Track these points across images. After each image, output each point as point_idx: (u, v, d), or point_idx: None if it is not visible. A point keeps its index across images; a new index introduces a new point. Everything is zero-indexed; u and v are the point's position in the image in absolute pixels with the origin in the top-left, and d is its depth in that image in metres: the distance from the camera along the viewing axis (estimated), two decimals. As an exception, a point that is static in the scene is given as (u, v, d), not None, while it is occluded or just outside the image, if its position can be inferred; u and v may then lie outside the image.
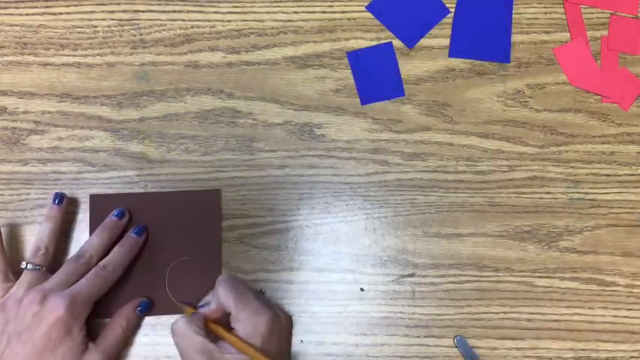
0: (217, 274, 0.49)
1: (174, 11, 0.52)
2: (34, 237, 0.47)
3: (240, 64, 0.52)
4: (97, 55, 0.52)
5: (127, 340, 0.47)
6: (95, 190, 0.50)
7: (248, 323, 0.42)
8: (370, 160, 0.51)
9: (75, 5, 0.52)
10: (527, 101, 0.52)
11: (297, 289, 0.50)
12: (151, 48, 0.52)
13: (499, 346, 0.49)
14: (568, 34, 0.53)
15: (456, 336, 0.49)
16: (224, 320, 0.44)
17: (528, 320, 0.50)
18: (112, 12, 0.52)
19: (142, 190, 0.50)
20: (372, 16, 0.53)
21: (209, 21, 0.52)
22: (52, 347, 0.41)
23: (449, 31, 0.53)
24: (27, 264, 0.45)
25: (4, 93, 0.51)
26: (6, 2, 0.52)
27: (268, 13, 0.53)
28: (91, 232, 0.48)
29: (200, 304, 0.45)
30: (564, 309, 0.50)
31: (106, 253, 0.46)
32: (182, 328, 0.43)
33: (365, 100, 0.52)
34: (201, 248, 0.49)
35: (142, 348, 0.48)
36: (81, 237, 0.49)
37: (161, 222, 0.49)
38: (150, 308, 0.48)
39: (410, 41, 0.53)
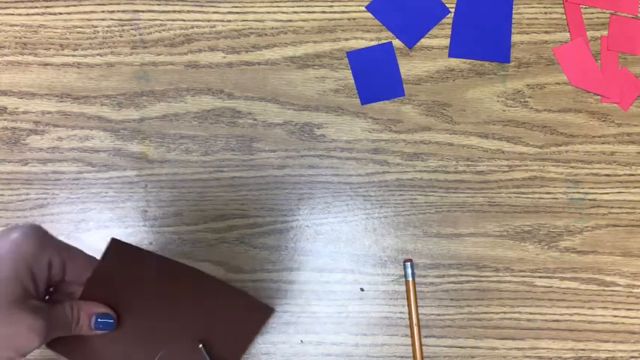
0: None
1: (174, 11, 0.52)
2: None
3: (240, 64, 0.52)
4: (97, 55, 0.52)
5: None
6: (95, 190, 0.50)
7: None
8: (370, 160, 0.51)
9: (75, 5, 0.52)
10: (527, 101, 0.52)
11: (297, 289, 0.50)
12: (151, 48, 0.52)
13: (499, 346, 0.49)
14: (568, 34, 0.53)
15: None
16: None
17: (528, 320, 0.50)
18: (112, 12, 0.52)
19: (142, 190, 0.50)
20: (372, 16, 0.53)
21: (209, 21, 0.52)
22: None
23: (449, 31, 0.53)
24: None
25: (4, 93, 0.51)
26: (6, 2, 0.52)
27: (268, 13, 0.53)
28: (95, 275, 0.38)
29: None
30: (564, 309, 0.50)
31: None
32: None
33: (365, 100, 0.52)
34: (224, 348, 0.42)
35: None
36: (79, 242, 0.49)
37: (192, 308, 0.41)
38: (110, 327, 0.39)
39: (410, 41, 0.53)
